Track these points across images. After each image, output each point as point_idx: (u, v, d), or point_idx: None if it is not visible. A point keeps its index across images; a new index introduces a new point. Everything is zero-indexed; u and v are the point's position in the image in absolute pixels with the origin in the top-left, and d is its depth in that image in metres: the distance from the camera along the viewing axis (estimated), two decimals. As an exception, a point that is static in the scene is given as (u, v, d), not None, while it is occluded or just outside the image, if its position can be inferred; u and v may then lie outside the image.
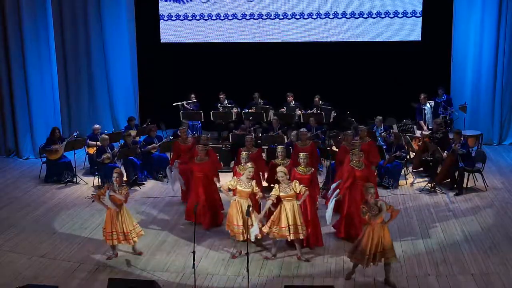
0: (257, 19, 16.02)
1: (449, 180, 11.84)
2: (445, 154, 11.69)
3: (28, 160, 14.34)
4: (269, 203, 8.61)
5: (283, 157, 9.85)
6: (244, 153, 9.49)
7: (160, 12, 16.41)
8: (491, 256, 8.74)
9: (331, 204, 9.16)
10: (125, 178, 12.18)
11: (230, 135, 13.54)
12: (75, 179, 12.53)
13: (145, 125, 14.17)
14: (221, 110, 14.94)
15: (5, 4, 13.83)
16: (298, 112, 14.47)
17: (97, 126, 13.46)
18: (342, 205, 9.44)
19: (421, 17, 15.32)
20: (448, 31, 15.02)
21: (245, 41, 16.15)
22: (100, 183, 11.90)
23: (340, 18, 15.67)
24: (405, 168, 12.33)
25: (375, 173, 10.46)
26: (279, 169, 8.75)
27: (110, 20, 15.82)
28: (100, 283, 8.08)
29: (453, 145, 11.56)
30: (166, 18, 16.44)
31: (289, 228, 8.52)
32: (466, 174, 11.53)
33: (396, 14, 15.41)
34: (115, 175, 8.77)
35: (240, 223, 8.72)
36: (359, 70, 15.74)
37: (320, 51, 15.78)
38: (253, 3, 15.93)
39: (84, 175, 12.93)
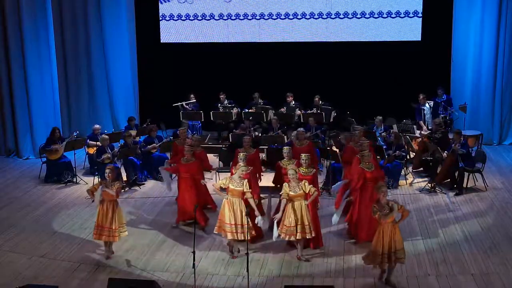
0: (257, 19, 16.02)
1: (449, 180, 11.84)
2: (445, 154, 11.69)
3: (28, 160, 14.34)
4: (283, 202, 8.60)
5: (289, 158, 9.82)
6: (241, 154, 9.45)
7: (160, 12, 16.41)
8: (491, 256, 8.74)
9: (341, 206, 9.22)
10: (125, 178, 12.25)
11: (230, 135, 13.54)
12: (75, 179, 12.53)
13: (145, 125, 14.18)
14: (221, 110, 14.94)
15: (5, 4, 13.83)
16: (298, 112, 14.47)
17: (97, 126, 13.46)
18: (352, 208, 9.40)
19: (421, 17, 15.32)
20: (448, 31, 15.02)
21: (245, 41, 16.15)
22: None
23: (340, 18, 15.67)
24: (405, 168, 12.33)
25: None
26: (290, 167, 8.81)
27: (110, 20, 15.82)
28: (100, 283, 8.08)
29: (453, 145, 11.56)
30: (166, 18, 16.44)
31: (296, 227, 8.52)
32: (466, 174, 11.53)
33: (396, 14, 15.41)
34: (107, 171, 8.84)
35: (232, 221, 8.69)
36: (359, 70, 15.74)
37: (320, 51, 15.78)
38: (253, 3, 15.92)
39: (84, 175, 12.92)
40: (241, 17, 16.08)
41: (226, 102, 15.13)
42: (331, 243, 9.32)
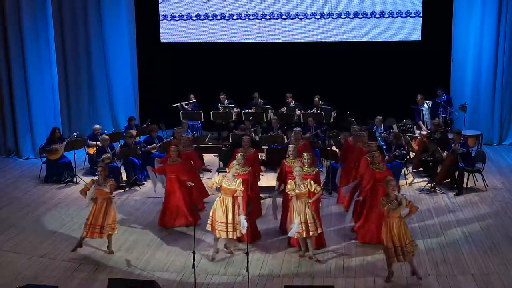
0: (258, 19, 16.01)
1: (449, 180, 11.84)
2: (445, 154, 11.69)
3: (28, 160, 14.34)
4: (294, 199, 8.62)
5: (294, 156, 9.81)
6: (239, 154, 9.44)
7: (160, 12, 16.41)
8: (491, 256, 8.74)
9: (351, 207, 9.25)
10: (125, 178, 12.25)
11: (230, 135, 13.54)
12: (75, 179, 12.53)
13: (145, 125, 14.17)
14: (221, 110, 14.94)
15: (5, 4, 13.83)
16: (298, 112, 14.47)
17: (97, 126, 13.46)
18: (362, 210, 9.38)
19: (421, 17, 15.31)
20: (448, 31, 15.02)
21: (245, 41, 16.14)
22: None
23: (340, 18, 15.66)
24: (405, 168, 12.33)
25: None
26: (296, 164, 8.83)
27: (110, 20, 15.82)
28: (100, 283, 8.08)
29: (453, 145, 11.56)
30: (166, 18, 16.44)
31: (302, 225, 8.53)
32: (466, 174, 11.53)
33: (396, 14, 15.40)
34: (99, 168, 8.90)
35: (224, 220, 8.69)
36: (359, 70, 15.73)
37: (320, 51, 15.77)
38: (253, 3, 15.91)
39: (84, 175, 12.93)
40: (241, 17, 16.07)
41: (226, 102, 15.13)
42: (331, 243, 9.32)
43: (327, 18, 15.72)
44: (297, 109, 14.59)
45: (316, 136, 13.27)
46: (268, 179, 12.25)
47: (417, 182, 12.13)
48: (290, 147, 9.91)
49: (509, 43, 14.38)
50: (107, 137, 12.37)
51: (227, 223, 8.70)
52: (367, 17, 15.54)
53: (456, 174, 11.62)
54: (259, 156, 12.08)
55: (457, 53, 15.04)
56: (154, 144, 12.71)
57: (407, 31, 15.40)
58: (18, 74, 14.14)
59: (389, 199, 7.91)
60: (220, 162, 12.61)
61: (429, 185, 11.73)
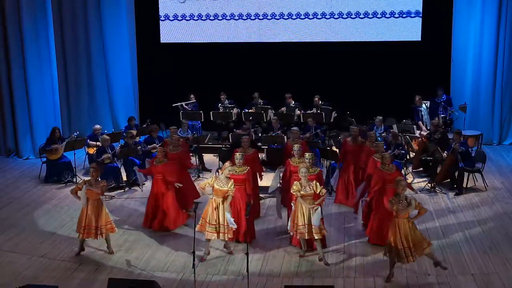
0: (258, 19, 16.00)
1: (449, 180, 11.84)
2: (445, 154, 11.70)
3: (28, 160, 14.34)
4: (299, 200, 8.58)
5: (299, 156, 9.80)
6: (238, 154, 9.42)
7: (160, 12, 16.41)
8: (491, 256, 8.75)
9: (360, 208, 9.22)
10: (125, 178, 12.26)
11: (230, 135, 13.54)
12: (75, 179, 12.52)
13: (145, 125, 14.17)
14: (221, 110, 14.94)
15: (5, 4, 13.83)
16: (298, 112, 14.47)
17: (98, 126, 13.47)
18: (370, 211, 9.34)
19: (421, 17, 15.31)
20: (448, 31, 15.01)
21: (245, 41, 16.13)
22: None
23: (340, 18, 15.66)
24: (405, 168, 12.33)
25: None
26: (302, 165, 8.78)
27: (110, 20, 15.82)
28: (100, 283, 8.09)
29: (453, 144, 11.56)
30: (166, 18, 16.44)
31: (305, 227, 8.50)
32: (466, 174, 11.53)
33: (396, 14, 15.40)
34: (91, 169, 8.94)
35: (214, 222, 8.66)
36: (359, 70, 15.73)
37: (320, 51, 15.77)
38: (253, 3, 15.91)
39: (84, 175, 12.92)
40: (241, 17, 16.06)
41: (226, 102, 15.13)
42: (331, 243, 9.32)
43: (327, 18, 15.71)
44: (296, 109, 14.59)
45: (316, 136, 13.27)
46: (268, 179, 12.25)
47: (417, 182, 12.12)
48: (296, 147, 9.88)
49: (509, 43, 14.38)
50: (107, 137, 12.37)
51: (218, 224, 8.67)
52: (367, 17, 15.53)
53: (456, 174, 11.62)
54: (260, 156, 12.10)
55: (457, 53, 15.04)
56: (154, 144, 12.71)
57: (407, 31, 15.40)
58: (18, 74, 14.14)
59: (398, 199, 7.88)
60: (220, 162, 12.60)
61: (429, 185, 11.73)
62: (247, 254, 7.94)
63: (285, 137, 12.94)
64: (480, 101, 14.85)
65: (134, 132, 13.35)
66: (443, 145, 12.02)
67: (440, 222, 10.07)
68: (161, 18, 16.43)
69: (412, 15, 15.35)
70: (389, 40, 15.50)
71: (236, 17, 16.09)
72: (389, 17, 15.45)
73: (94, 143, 12.95)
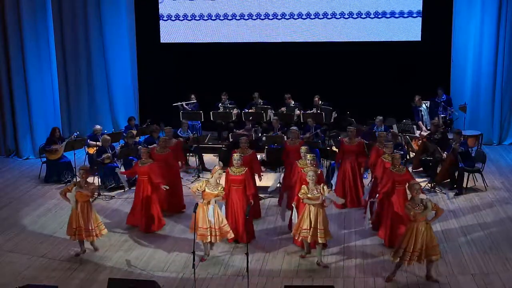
0: (258, 19, 16.01)
1: (449, 180, 11.84)
2: (444, 155, 11.69)
3: (28, 160, 14.35)
4: (307, 202, 8.53)
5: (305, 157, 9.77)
6: (235, 155, 9.38)
7: (160, 12, 16.40)
8: (491, 256, 8.75)
9: (368, 209, 9.21)
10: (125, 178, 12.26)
11: (230, 135, 13.53)
12: (75, 179, 12.52)
13: (145, 126, 14.17)
14: (221, 110, 14.94)
15: (5, 4, 13.83)
16: (297, 112, 14.47)
17: (98, 127, 13.47)
18: (381, 212, 9.29)
19: (421, 17, 15.31)
20: (448, 31, 15.01)
21: (245, 41, 16.13)
22: (100, 183, 11.90)
23: (340, 18, 15.66)
24: (405, 168, 12.31)
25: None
26: (310, 169, 8.73)
27: (110, 20, 15.82)
28: (100, 283, 8.09)
29: (453, 144, 11.56)
30: (166, 18, 16.44)
31: (310, 230, 8.43)
32: (466, 174, 11.53)
33: (396, 14, 15.40)
34: (81, 171, 8.96)
35: (206, 225, 8.61)
36: (359, 70, 15.72)
37: (320, 51, 15.77)
38: (253, 3, 15.91)
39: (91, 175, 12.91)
40: (241, 17, 16.06)
41: (227, 102, 15.13)
42: (331, 243, 9.30)
43: (328, 18, 15.71)
44: (296, 109, 14.59)
45: (316, 136, 13.27)
46: (268, 179, 12.26)
47: (417, 182, 12.11)
48: (303, 149, 9.82)
49: (509, 43, 14.38)
50: (108, 137, 12.37)
51: (210, 228, 8.63)
52: (367, 17, 15.52)
53: (456, 174, 11.62)
54: (260, 156, 12.10)
55: (457, 53, 15.04)
56: (155, 145, 12.69)
57: (407, 31, 15.40)
58: (18, 74, 14.15)
59: (414, 203, 7.83)
60: (220, 162, 12.59)
61: (429, 185, 11.73)
62: (247, 254, 7.94)
63: (285, 137, 12.94)
64: (480, 101, 14.86)
65: (134, 132, 13.35)
66: (443, 145, 12.01)
67: (440, 222, 10.05)
68: (161, 18, 16.43)
69: (412, 15, 15.35)
70: (389, 40, 15.50)
71: (236, 17, 16.09)
72: (389, 17, 15.45)
73: (94, 143, 12.95)
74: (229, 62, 16.16)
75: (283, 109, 14.76)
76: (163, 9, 16.39)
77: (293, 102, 14.91)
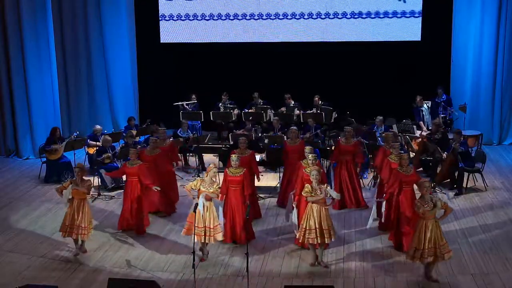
0: (258, 19, 16.01)
1: (449, 180, 11.84)
2: (445, 155, 11.69)
3: (28, 160, 14.34)
4: (310, 199, 8.48)
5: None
6: (233, 155, 9.34)
7: (160, 12, 16.40)
8: (491, 256, 8.74)
9: (373, 209, 9.17)
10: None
11: (230, 135, 13.54)
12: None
13: (145, 126, 14.18)
14: (221, 110, 14.94)
15: (5, 4, 13.83)
16: (297, 112, 14.46)
17: (98, 127, 13.47)
18: (389, 214, 9.21)
19: (421, 17, 15.31)
20: (448, 31, 15.02)
21: (245, 41, 16.13)
22: (100, 183, 11.90)
23: (340, 18, 15.67)
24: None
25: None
26: (313, 168, 8.70)
27: (110, 20, 15.83)
28: (100, 283, 8.09)
29: (453, 144, 11.56)
30: (166, 18, 16.44)
31: (316, 231, 8.38)
32: (466, 174, 11.53)
33: (396, 14, 15.40)
34: (76, 169, 8.98)
35: (201, 225, 8.60)
36: (359, 70, 15.73)
37: (320, 51, 15.77)
38: (253, 3, 15.91)
39: (88, 175, 12.91)
40: (242, 17, 16.07)
41: (227, 102, 15.13)
42: (331, 243, 9.29)
43: (327, 18, 15.72)
44: (296, 109, 14.59)
45: (316, 136, 13.26)
46: (268, 179, 12.27)
47: (417, 182, 12.12)
48: (307, 149, 9.78)
49: (509, 43, 14.38)
50: (109, 138, 12.38)
51: (204, 227, 8.61)
52: (367, 17, 15.53)
53: (456, 174, 11.61)
54: (259, 156, 12.09)
55: (457, 53, 15.04)
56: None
57: (407, 31, 15.40)
58: (18, 74, 14.14)
59: (423, 201, 7.88)
60: (220, 162, 12.60)
61: (429, 185, 11.70)
62: (247, 254, 7.93)
63: (285, 137, 12.93)
64: (480, 101, 14.86)
65: (134, 132, 13.35)
66: (443, 145, 12.01)
67: (440, 222, 10.03)
68: (161, 18, 16.43)
69: (413, 15, 15.35)
70: (389, 40, 15.51)
71: (237, 17, 16.09)
72: (389, 17, 15.45)
73: (94, 143, 12.95)
74: (229, 62, 16.16)
75: (283, 109, 14.76)
76: (163, 9, 16.39)
77: (293, 102, 14.91)
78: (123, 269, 8.58)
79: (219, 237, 8.72)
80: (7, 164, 14.12)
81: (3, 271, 8.51)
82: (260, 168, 11.52)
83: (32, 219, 10.56)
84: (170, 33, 16.49)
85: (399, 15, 15.40)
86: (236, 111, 14.77)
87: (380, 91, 15.41)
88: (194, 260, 7.83)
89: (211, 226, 8.64)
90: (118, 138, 13.32)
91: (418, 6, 15.30)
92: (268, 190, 11.69)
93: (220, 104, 15.11)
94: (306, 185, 8.52)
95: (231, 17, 16.12)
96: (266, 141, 12.82)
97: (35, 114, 14.35)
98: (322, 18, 15.76)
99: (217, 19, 16.19)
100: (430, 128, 13.56)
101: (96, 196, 11.53)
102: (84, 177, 8.99)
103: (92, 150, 12.85)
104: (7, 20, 13.89)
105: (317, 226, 8.36)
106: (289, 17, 15.87)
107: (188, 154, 13.66)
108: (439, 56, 15.24)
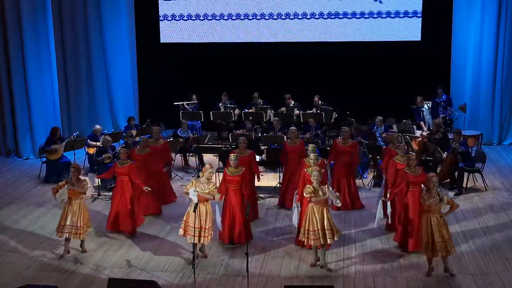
0: (258, 19, 16.01)
1: (449, 180, 11.84)
2: (445, 155, 11.69)
3: (28, 160, 14.35)
4: (311, 201, 8.46)
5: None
6: (232, 155, 9.30)
7: (160, 12, 16.41)
8: (491, 256, 8.75)
9: (379, 208, 9.13)
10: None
11: (230, 135, 13.54)
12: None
13: (144, 126, 14.18)
14: (222, 109, 14.95)
15: (5, 4, 13.83)
16: (297, 112, 14.47)
17: (98, 127, 13.47)
18: (394, 215, 9.21)
19: (421, 17, 15.31)
20: (448, 31, 15.02)
21: (244, 41, 16.14)
22: (99, 183, 11.89)
23: (340, 18, 15.67)
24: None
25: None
26: (314, 168, 8.65)
27: (110, 20, 15.83)
28: (100, 283, 8.09)
29: (453, 144, 11.56)
30: (166, 18, 16.44)
31: (318, 232, 8.35)
32: (466, 174, 11.53)
33: (396, 14, 15.41)
34: (72, 169, 8.99)
35: (197, 225, 8.55)
36: (359, 70, 15.73)
37: (320, 51, 15.77)
38: (253, 3, 15.92)
39: (84, 175, 12.86)
40: (241, 17, 16.07)
41: (227, 102, 15.13)
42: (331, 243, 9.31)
43: (327, 18, 15.72)
44: (296, 109, 14.59)
45: (316, 136, 13.26)
46: (268, 179, 12.27)
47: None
48: (310, 147, 9.80)
49: (509, 43, 14.39)
50: (109, 138, 12.38)
51: (200, 228, 8.57)
52: (368, 17, 15.53)
53: (456, 174, 11.61)
54: (260, 157, 12.08)
55: (457, 53, 15.04)
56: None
57: (407, 31, 15.40)
58: (18, 74, 14.15)
59: (430, 195, 7.98)
60: (220, 162, 12.60)
61: (429, 185, 11.70)
62: (247, 254, 7.93)
63: (285, 137, 12.93)
64: (480, 101, 14.86)
65: (134, 132, 13.35)
66: (443, 145, 12.01)
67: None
68: (161, 18, 16.43)
69: (412, 15, 15.35)
70: (389, 40, 15.51)
71: (236, 17, 16.09)
72: (389, 17, 15.45)
73: (94, 143, 12.95)
74: (229, 62, 16.17)
75: (283, 109, 14.76)
76: (163, 9, 16.39)
77: (293, 102, 14.91)
78: (123, 269, 8.58)
79: (206, 240, 8.63)
80: (7, 164, 14.12)
81: (3, 271, 8.51)
82: (260, 168, 11.51)
83: (32, 219, 10.56)
84: (170, 33, 16.50)
85: (399, 15, 15.40)
86: (236, 111, 14.76)
87: (380, 91, 15.41)
88: (194, 260, 7.82)
89: (206, 227, 8.61)
90: (118, 138, 13.33)
91: (418, 6, 15.30)
92: (268, 190, 11.68)
93: (220, 104, 15.11)
94: (307, 185, 8.49)
95: (231, 17, 16.13)
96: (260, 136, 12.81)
97: (35, 114, 14.35)
98: (322, 18, 15.76)
99: (217, 19, 16.19)
100: (431, 128, 13.56)
101: (96, 196, 11.53)
102: (80, 177, 9.00)
103: (92, 150, 12.85)
104: (7, 20, 13.89)
105: (319, 227, 8.32)
106: (290, 17, 15.87)
107: (188, 154, 13.65)
108: (439, 56, 15.25)
